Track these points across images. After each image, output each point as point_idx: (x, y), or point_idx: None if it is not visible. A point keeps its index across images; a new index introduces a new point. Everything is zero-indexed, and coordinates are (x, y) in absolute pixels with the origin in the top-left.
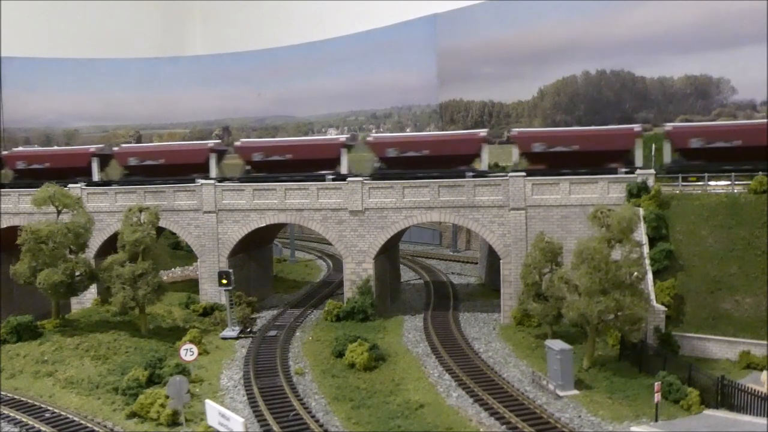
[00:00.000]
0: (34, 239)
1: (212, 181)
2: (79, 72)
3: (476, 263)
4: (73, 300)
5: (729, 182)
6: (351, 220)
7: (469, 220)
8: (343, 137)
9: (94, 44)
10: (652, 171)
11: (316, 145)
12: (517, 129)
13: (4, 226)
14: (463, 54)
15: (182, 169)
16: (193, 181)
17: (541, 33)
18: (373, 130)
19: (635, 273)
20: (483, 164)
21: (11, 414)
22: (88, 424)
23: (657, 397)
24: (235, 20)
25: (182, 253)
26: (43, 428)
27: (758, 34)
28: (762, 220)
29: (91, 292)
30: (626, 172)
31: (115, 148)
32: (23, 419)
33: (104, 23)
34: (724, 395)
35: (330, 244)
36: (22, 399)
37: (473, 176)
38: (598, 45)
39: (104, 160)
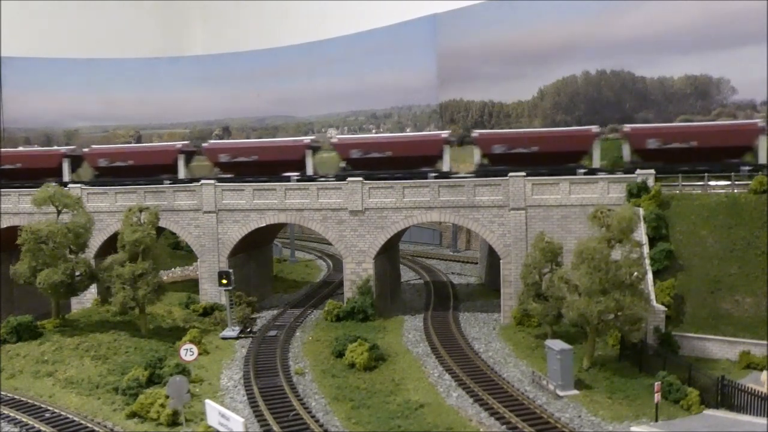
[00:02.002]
0: (34, 239)
1: (212, 181)
2: (79, 72)
3: (476, 263)
4: (73, 300)
5: (729, 182)
6: (351, 220)
7: (469, 220)
8: (307, 139)
9: (94, 44)
10: (652, 171)
11: (281, 146)
12: (478, 131)
13: (4, 226)
14: (463, 54)
15: (151, 170)
16: (161, 182)
17: (541, 33)
18: (373, 130)
19: (635, 273)
20: (445, 165)
21: (11, 414)
22: (88, 424)
23: (657, 397)
24: (235, 20)
25: (182, 253)
26: (43, 428)
27: (758, 34)
28: (762, 220)
29: (91, 292)
30: (585, 173)
31: (85, 149)
32: (23, 419)
33: (104, 23)
34: (724, 395)
35: (330, 244)
36: (22, 399)
37: (435, 177)
38: (598, 45)
39: (75, 161)
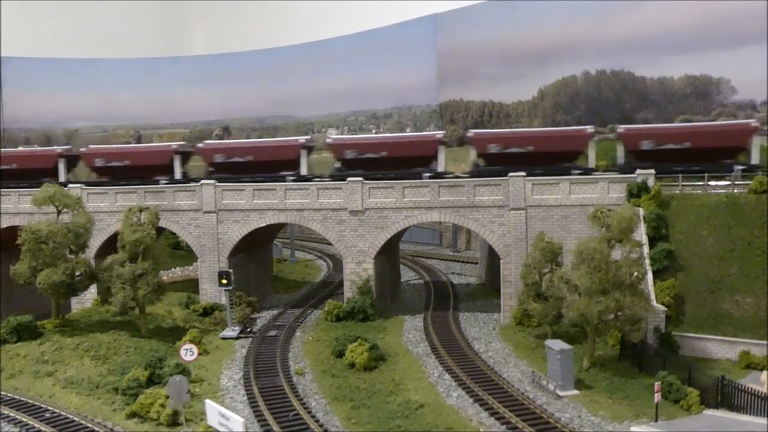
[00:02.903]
0: (34, 239)
1: (212, 181)
2: (79, 72)
3: (476, 263)
4: (73, 300)
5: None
6: (351, 220)
7: (469, 220)
8: (302, 139)
9: (94, 44)
10: (652, 171)
11: (275, 146)
12: (473, 131)
13: (4, 226)
14: (463, 54)
15: (147, 170)
16: (157, 182)
17: (541, 33)
18: (373, 130)
19: (635, 273)
20: (439, 165)
21: (11, 414)
22: (88, 424)
23: (657, 397)
24: (235, 20)
25: (182, 253)
26: (43, 428)
27: (758, 34)
28: (762, 220)
29: (91, 292)
30: (580, 173)
31: (82, 149)
32: (23, 419)
33: (104, 23)
34: (724, 395)
35: (330, 244)
36: (22, 399)
37: (430, 177)
38: (598, 45)
39: (71, 161)
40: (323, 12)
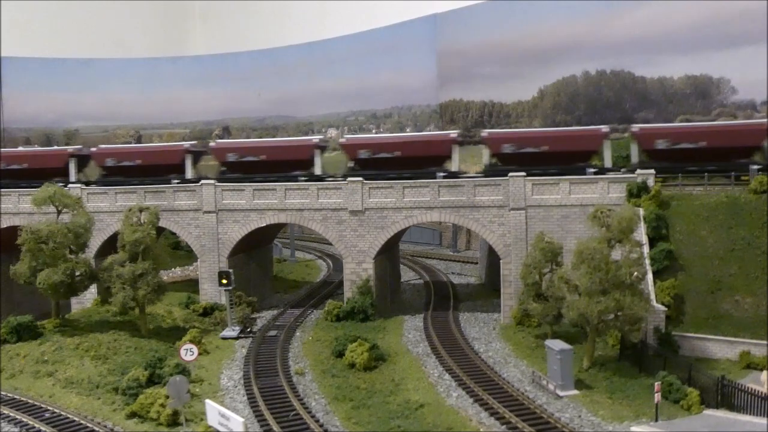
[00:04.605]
0: (34, 239)
1: (212, 181)
2: (79, 72)
3: (476, 263)
4: (73, 300)
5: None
6: (351, 220)
7: (469, 220)
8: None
9: (94, 44)
10: (652, 171)
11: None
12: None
13: (4, 226)
14: (463, 54)
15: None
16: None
17: (540, 33)
18: (374, 130)
19: (635, 273)
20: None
21: (11, 414)
22: (88, 424)
23: (657, 397)
24: (235, 20)
25: (182, 253)
26: (43, 428)
27: (758, 34)
28: (762, 220)
29: (91, 292)
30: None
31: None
32: (23, 419)
33: (104, 23)
34: (724, 395)
35: (330, 244)
36: (22, 399)
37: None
38: (598, 45)
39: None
40: (323, 12)
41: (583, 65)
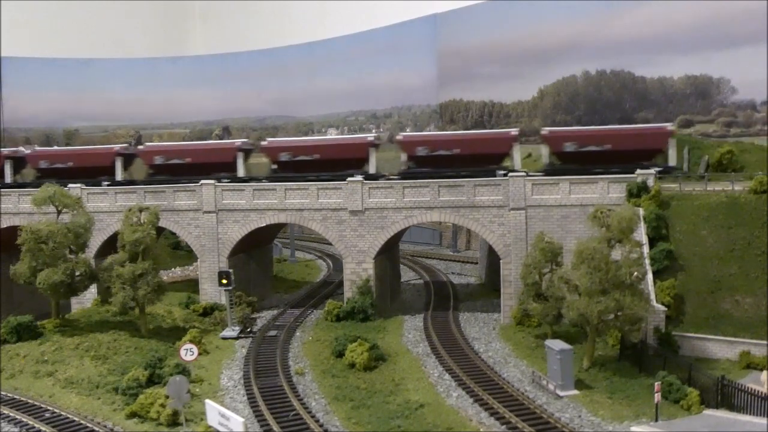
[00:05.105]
0: (34, 239)
1: (212, 182)
2: (79, 72)
3: (476, 263)
4: (73, 300)
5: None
6: (351, 220)
7: (469, 220)
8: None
9: (94, 44)
10: (652, 171)
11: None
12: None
13: (4, 226)
14: (463, 54)
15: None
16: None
17: (541, 33)
18: (373, 130)
19: (635, 273)
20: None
21: (11, 414)
22: (88, 424)
23: (657, 397)
24: (235, 20)
25: (182, 253)
26: (43, 428)
27: (758, 34)
28: (762, 220)
29: (91, 292)
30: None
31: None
32: (23, 419)
33: (104, 23)
34: (724, 395)
35: (330, 244)
36: (22, 399)
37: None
38: (598, 45)
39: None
40: (323, 12)
41: (583, 65)
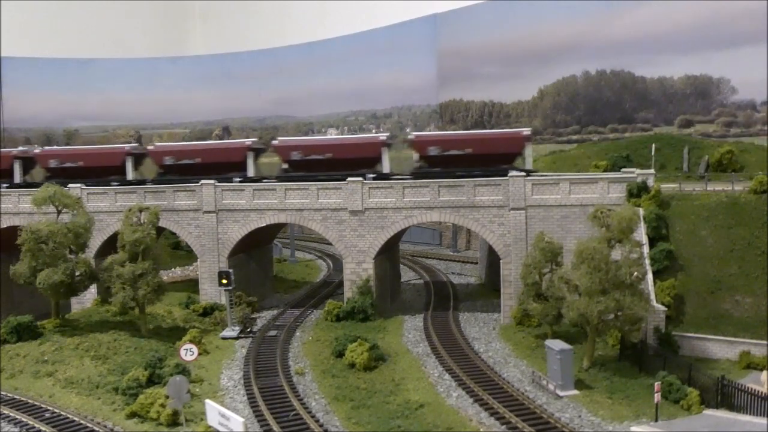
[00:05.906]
0: (34, 239)
1: (212, 182)
2: (79, 72)
3: (476, 263)
4: (73, 300)
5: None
6: (351, 220)
7: (469, 220)
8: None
9: (94, 44)
10: (652, 171)
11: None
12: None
13: (4, 226)
14: (463, 54)
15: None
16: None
17: (541, 33)
18: (373, 130)
19: (635, 273)
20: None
21: (11, 414)
22: (88, 424)
23: (657, 397)
24: (235, 20)
25: (182, 253)
26: (43, 428)
27: (758, 34)
28: (762, 220)
29: (91, 292)
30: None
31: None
32: (23, 419)
33: (104, 23)
34: (724, 395)
35: (330, 244)
36: (22, 399)
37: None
38: (598, 45)
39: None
40: (323, 12)
41: (583, 65)
